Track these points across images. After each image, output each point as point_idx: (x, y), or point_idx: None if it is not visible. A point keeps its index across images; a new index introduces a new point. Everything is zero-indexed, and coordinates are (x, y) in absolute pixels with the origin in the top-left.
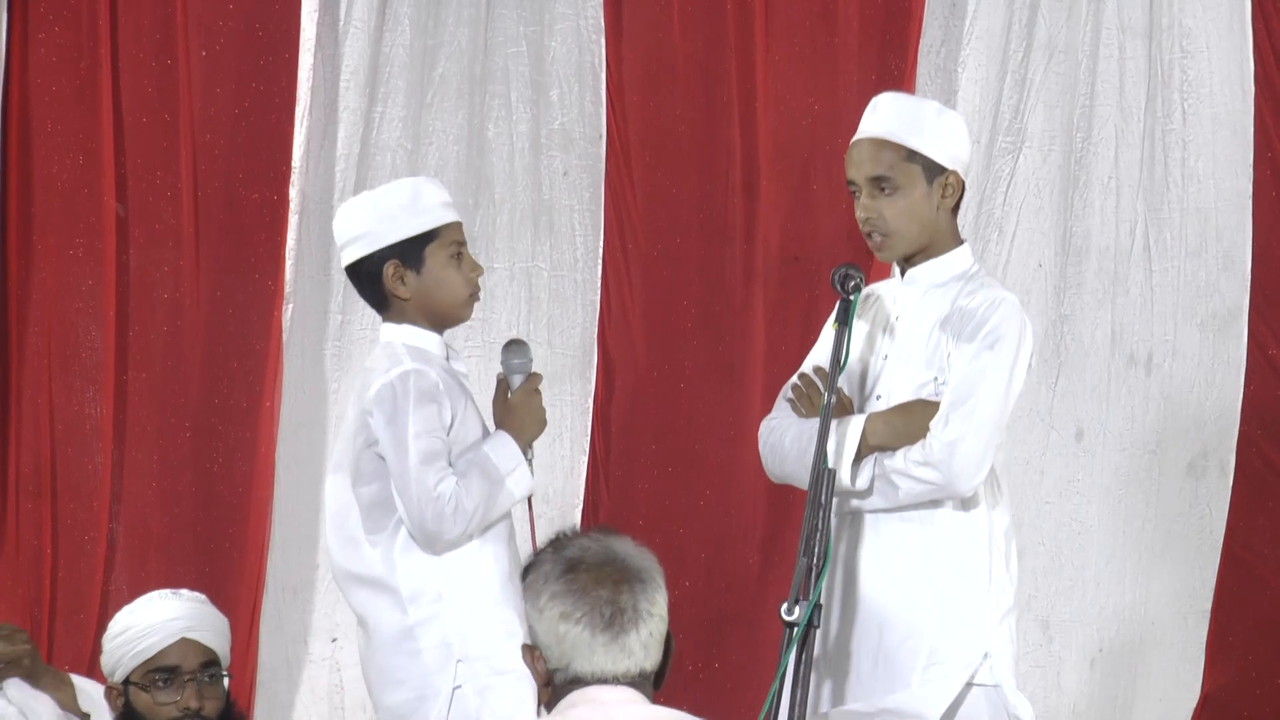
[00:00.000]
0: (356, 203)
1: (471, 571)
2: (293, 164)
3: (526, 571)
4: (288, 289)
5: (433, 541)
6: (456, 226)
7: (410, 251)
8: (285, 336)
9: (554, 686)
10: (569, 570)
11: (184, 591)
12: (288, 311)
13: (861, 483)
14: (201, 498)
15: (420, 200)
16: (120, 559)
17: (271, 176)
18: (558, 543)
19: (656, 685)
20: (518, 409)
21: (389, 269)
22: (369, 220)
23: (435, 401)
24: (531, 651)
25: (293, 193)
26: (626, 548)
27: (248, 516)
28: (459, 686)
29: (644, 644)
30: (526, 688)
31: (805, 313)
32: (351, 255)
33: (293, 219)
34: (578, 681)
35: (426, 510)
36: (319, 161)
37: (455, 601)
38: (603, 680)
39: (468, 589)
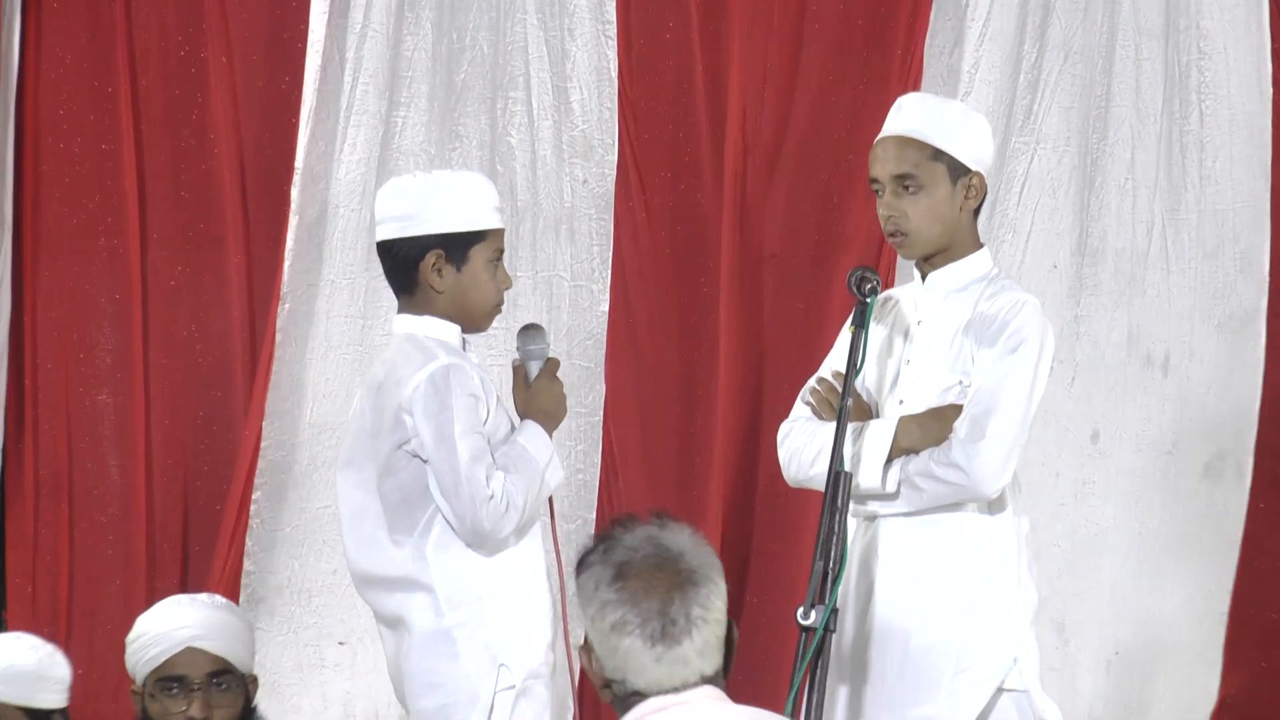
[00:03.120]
0: (410, 180)
1: (511, 571)
2: (295, 165)
3: (579, 569)
4: (297, 290)
5: (485, 541)
6: (501, 234)
7: (456, 246)
8: (282, 339)
9: (614, 695)
10: (618, 577)
11: (202, 596)
12: (284, 313)
13: (890, 485)
14: (209, 499)
15: (478, 196)
16: (136, 562)
17: (282, 179)
18: (609, 541)
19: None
20: (541, 396)
21: (431, 258)
22: (421, 202)
23: (474, 395)
24: (589, 653)
25: (294, 193)
26: (681, 542)
27: (223, 519)
28: (510, 688)
29: (700, 651)
30: (548, 692)
31: (824, 322)
32: (392, 232)
33: (293, 220)
34: (639, 694)
35: (480, 511)
36: (339, 166)
37: (496, 604)
38: (662, 692)
39: (509, 590)
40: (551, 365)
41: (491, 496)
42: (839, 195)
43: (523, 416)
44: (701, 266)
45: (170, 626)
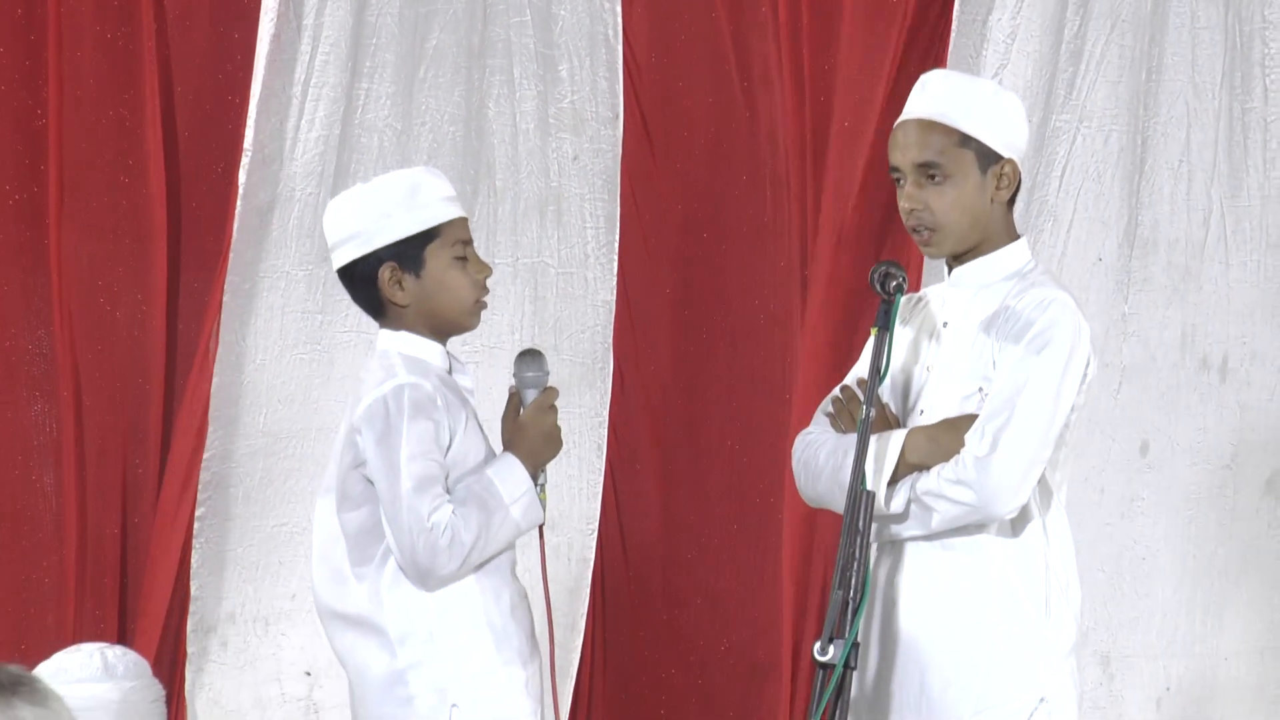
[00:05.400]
0: (347, 198)
1: (467, 609)
2: (244, 146)
3: None
4: (244, 284)
5: (425, 577)
6: (461, 223)
7: (408, 252)
8: (228, 338)
9: None
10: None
11: (81, 650)
12: (229, 309)
13: (896, 505)
14: (147, 519)
15: (419, 194)
16: (70, 592)
17: (230, 160)
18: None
19: None
20: (528, 428)
21: (385, 272)
22: (361, 218)
23: (431, 419)
24: None
25: (242, 177)
26: None
27: (152, 543)
28: None
29: None
30: None
31: (852, 320)
32: (343, 257)
33: (240, 206)
34: None
35: (418, 542)
36: (295, 145)
37: (449, 643)
38: None
39: (463, 629)
40: (548, 395)
41: (432, 528)
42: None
43: (506, 448)
44: (734, 254)
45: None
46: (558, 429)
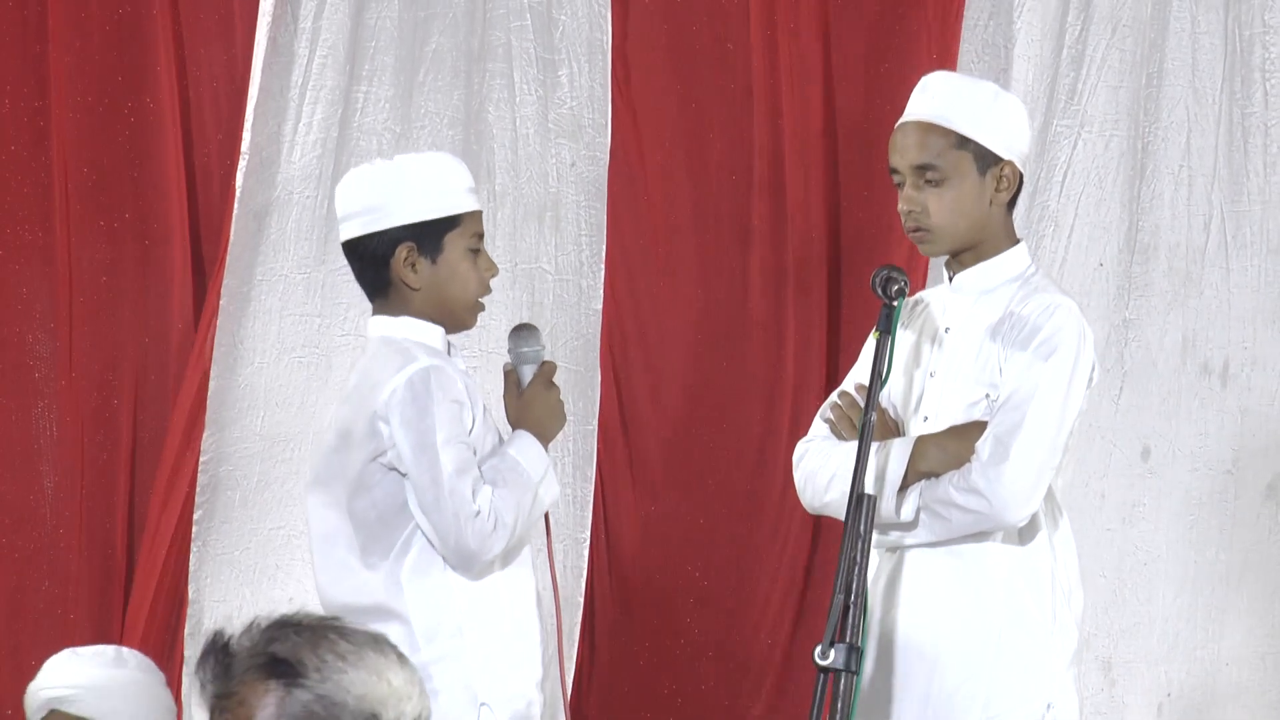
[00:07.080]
0: (369, 170)
1: (495, 600)
2: (241, 149)
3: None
4: (242, 287)
5: (470, 562)
6: (479, 217)
7: (429, 236)
8: (226, 341)
9: None
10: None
11: (84, 650)
12: (226, 312)
13: (906, 513)
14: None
15: (447, 179)
16: (70, 596)
17: (229, 163)
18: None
19: None
20: (535, 404)
21: (402, 252)
22: (386, 192)
23: (457, 401)
24: None
25: (239, 179)
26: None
27: (143, 545)
28: None
29: None
30: None
31: (841, 325)
32: (357, 229)
33: (237, 208)
34: None
35: (466, 528)
36: (293, 148)
37: (478, 636)
38: None
39: (492, 621)
40: (547, 370)
41: (478, 513)
42: (868, 186)
43: (515, 426)
44: (722, 261)
45: (35, 686)
46: (561, 403)
